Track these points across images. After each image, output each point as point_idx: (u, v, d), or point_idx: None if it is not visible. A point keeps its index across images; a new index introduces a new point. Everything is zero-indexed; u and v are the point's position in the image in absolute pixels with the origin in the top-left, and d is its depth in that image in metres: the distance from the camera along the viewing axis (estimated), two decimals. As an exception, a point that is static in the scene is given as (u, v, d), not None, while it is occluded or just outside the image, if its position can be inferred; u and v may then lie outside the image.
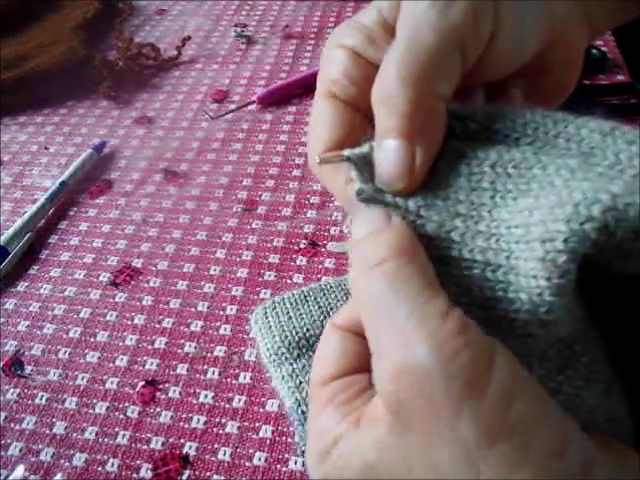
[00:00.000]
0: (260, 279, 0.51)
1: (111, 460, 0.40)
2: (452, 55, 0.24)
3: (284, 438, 0.40)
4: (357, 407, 0.22)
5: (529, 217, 0.21)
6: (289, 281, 0.51)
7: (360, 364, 0.24)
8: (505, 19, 0.25)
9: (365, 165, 0.24)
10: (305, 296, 0.45)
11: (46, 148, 0.67)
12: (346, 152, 0.25)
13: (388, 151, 0.24)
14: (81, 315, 0.50)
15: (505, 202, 0.23)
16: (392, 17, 0.26)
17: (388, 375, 0.19)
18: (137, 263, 0.53)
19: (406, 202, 0.24)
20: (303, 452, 0.38)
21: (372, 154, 0.24)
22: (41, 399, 0.44)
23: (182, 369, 0.45)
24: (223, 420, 0.42)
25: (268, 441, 0.40)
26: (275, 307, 0.44)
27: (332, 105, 0.27)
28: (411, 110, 0.23)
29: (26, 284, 0.53)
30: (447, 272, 0.22)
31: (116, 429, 0.42)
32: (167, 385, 0.44)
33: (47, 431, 0.42)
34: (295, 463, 0.39)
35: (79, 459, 0.41)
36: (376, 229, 0.23)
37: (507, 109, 0.25)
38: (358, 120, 0.27)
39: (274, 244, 0.54)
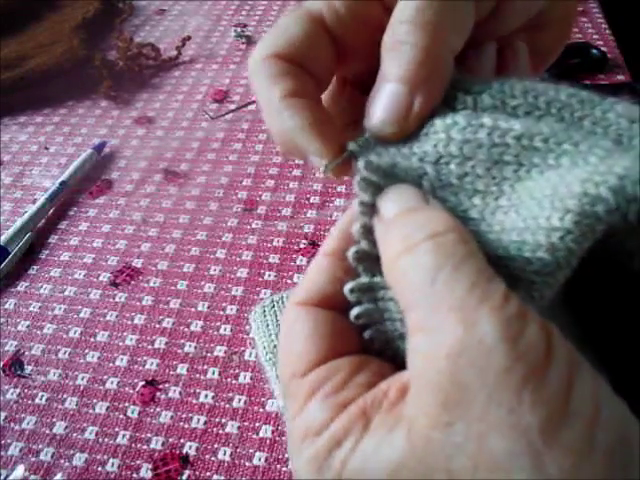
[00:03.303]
0: (260, 279, 0.51)
1: (111, 460, 0.40)
2: (468, 5, 0.23)
3: (284, 438, 0.40)
4: (350, 398, 0.20)
5: (559, 179, 0.20)
6: (289, 281, 0.51)
7: (339, 345, 0.22)
8: None
9: (369, 151, 0.23)
10: (305, 296, 0.45)
11: (46, 148, 0.67)
12: (350, 146, 0.24)
13: (387, 94, 0.23)
14: (81, 315, 0.50)
15: (530, 175, 0.21)
16: None
17: (445, 351, 0.17)
18: (137, 263, 0.53)
19: (420, 180, 0.23)
20: None
21: (371, 141, 0.24)
22: (41, 399, 0.44)
23: (182, 369, 0.45)
24: (223, 420, 0.42)
25: (268, 441, 0.40)
26: (274, 306, 0.44)
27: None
28: (420, 58, 0.22)
29: (26, 284, 0.53)
30: None
31: (116, 429, 0.42)
32: (167, 385, 0.44)
33: (47, 431, 0.42)
34: (295, 463, 0.39)
35: (79, 459, 0.41)
36: (413, 207, 0.21)
37: (526, 84, 0.23)
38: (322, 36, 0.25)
39: (274, 244, 0.54)
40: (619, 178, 0.19)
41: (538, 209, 0.20)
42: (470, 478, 0.16)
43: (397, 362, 0.21)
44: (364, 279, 0.22)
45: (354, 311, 0.22)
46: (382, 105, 0.23)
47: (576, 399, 0.16)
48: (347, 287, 0.22)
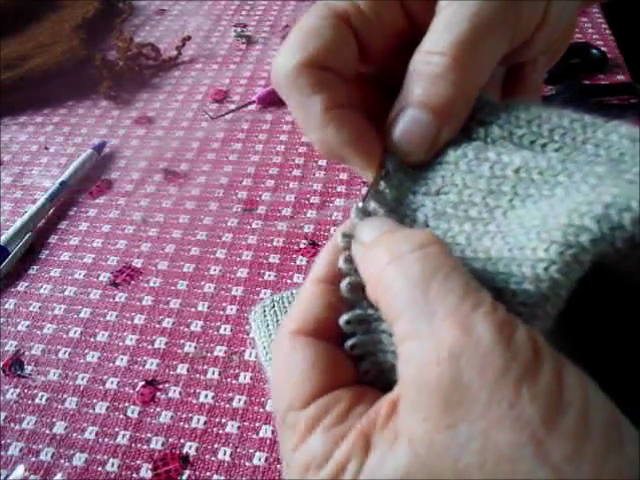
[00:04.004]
0: (260, 279, 0.51)
1: (111, 460, 0.40)
2: (504, 45, 0.24)
3: (284, 438, 0.40)
4: (352, 427, 0.20)
5: (549, 210, 0.21)
6: (289, 281, 0.51)
7: (337, 376, 0.22)
8: (552, 11, 0.25)
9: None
10: (305, 296, 0.44)
11: (46, 148, 0.67)
12: (387, 165, 0.25)
13: (414, 122, 0.24)
14: (81, 315, 0.50)
15: (524, 205, 0.22)
16: None
17: (445, 354, 0.18)
18: (137, 263, 0.53)
19: (414, 213, 0.24)
20: None
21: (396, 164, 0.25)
22: (41, 399, 0.44)
23: (182, 369, 0.45)
24: (223, 420, 0.42)
25: (268, 441, 0.40)
26: (274, 306, 0.44)
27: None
28: (455, 95, 0.24)
29: (26, 284, 0.53)
30: None
31: (116, 429, 0.42)
32: (167, 385, 0.44)
33: (47, 431, 0.42)
34: (295, 463, 0.39)
35: (79, 459, 0.41)
36: (391, 229, 0.22)
37: (532, 112, 0.24)
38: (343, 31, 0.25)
39: (274, 244, 0.54)
40: (605, 207, 0.19)
41: (526, 239, 0.21)
42: (478, 474, 0.17)
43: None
44: (359, 311, 0.23)
45: (349, 342, 0.23)
46: (409, 133, 0.24)
47: (567, 390, 0.17)
48: (342, 319, 0.23)
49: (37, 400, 0.44)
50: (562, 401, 0.17)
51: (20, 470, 0.40)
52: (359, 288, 0.23)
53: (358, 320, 0.23)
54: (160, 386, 0.44)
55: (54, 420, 0.43)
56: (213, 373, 0.45)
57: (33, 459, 0.41)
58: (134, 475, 0.40)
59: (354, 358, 0.23)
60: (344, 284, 0.23)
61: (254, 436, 0.41)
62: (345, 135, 0.24)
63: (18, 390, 0.45)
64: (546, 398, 0.17)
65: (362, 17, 0.25)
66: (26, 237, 0.55)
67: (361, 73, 0.28)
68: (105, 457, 0.41)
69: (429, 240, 0.20)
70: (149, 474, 0.40)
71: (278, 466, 0.39)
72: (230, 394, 0.43)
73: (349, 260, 0.23)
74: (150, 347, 0.47)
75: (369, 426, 0.20)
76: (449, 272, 0.19)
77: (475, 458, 0.17)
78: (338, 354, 0.23)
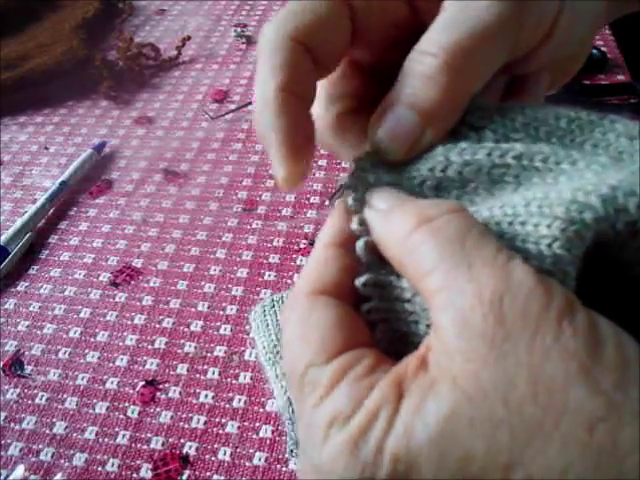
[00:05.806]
0: (260, 279, 0.51)
1: (111, 460, 0.40)
2: (502, 55, 0.24)
3: (284, 438, 0.40)
4: (381, 378, 0.20)
5: (551, 187, 0.21)
6: (289, 281, 0.51)
7: (360, 336, 0.22)
8: (560, 26, 0.25)
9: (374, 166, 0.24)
10: (305, 295, 0.44)
11: (46, 148, 0.67)
12: (360, 164, 0.24)
13: (398, 120, 0.24)
14: (81, 315, 0.50)
15: (527, 190, 0.22)
16: None
17: (488, 297, 0.18)
18: (137, 263, 0.53)
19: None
20: (292, 451, 0.38)
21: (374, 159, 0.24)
22: (41, 399, 0.44)
23: (182, 369, 0.45)
24: (223, 420, 0.42)
25: (268, 441, 0.40)
26: (273, 306, 0.44)
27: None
28: (444, 99, 0.23)
29: (26, 284, 0.53)
30: None
31: (116, 429, 0.42)
32: (167, 385, 0.44)
33: (47, 431, 0.42)
34: (295, 463, 0.39)
35: (79, 459, 0.41)
36: (408, 198, 0.22)
37: (528, 113, 0.24)
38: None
39: (274, 244, 0.54)
40: (611, 188, 0.20)
41: (525, 212, 0.21)
42: (531, 405, 0.17)
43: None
44: (374, 273, 0.22)
45: (365, 306, 0.22)
46: (392, 130, 0.24)
47: (601, 327, 0.18)
48: (359, 280, 0.22)
49: (37, 400, 0.44)
50: (599, 336, 0.18)
51: (20, 470, 0.40)
52: (374, 249, 0.22)
53: (374, 283, 0.22)
54: (160, 386, 0.44)
55: (54, 420, 0.43)
56: (213, 373, 0.45)
57: (33, 459, 0.41)
58: (134, 475, 0.40)
59: (370, 323, 0.22)
60: (360, 244, 0.22)
61: (254, 436, 0.41)
62: (275, 122, 0.23)
63: (18, 390, 0.45)
64: (586, 332, 0.18)
65: (366, 3, 0.25)
66: (26, 237, 0.55)
67: (361, 65, 0.28)
68: (105, 457, 0.41)
69: (457, 206, 0.21)
70: (149, 474, 0.40)
71: (278, 466, 0.39)
72: (230, 394, 0.43)
73: (362, 222, 0.23)
74: (150, 347, 0.47)
75: (400, 376, 0.20)
76: (483, 230, 0.20)
77: (526, 390, 0.18)
78: (358, 316, 0.22)
